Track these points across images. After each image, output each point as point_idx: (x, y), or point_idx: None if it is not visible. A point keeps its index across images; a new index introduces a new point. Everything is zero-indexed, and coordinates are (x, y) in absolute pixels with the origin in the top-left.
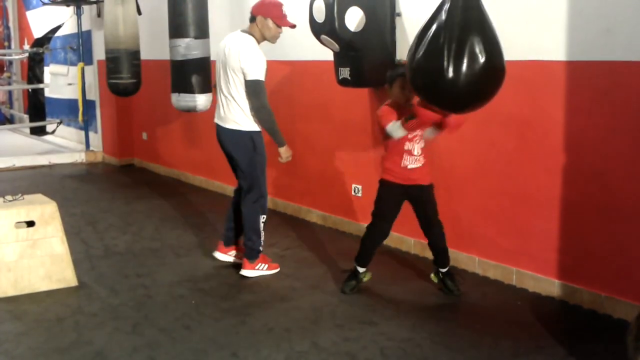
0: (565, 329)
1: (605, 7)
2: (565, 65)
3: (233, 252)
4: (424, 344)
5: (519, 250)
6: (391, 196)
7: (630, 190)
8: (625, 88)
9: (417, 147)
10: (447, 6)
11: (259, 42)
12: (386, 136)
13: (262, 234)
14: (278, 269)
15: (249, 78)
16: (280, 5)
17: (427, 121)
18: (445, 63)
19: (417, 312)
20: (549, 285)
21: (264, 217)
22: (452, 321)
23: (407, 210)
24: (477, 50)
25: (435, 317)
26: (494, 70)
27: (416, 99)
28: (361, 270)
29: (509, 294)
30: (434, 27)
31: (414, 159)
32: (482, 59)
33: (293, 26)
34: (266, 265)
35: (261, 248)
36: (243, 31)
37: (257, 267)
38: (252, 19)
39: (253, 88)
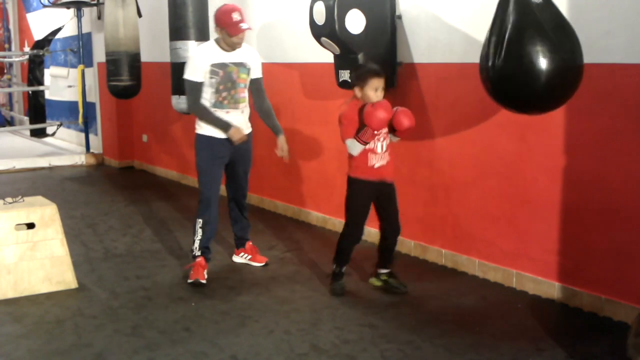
0: (565, 331)
1: (604, 10)
2: None
3: (244, 255)
4: (424, 346)
5: (519, 253)
6: (360, 194)
7: (630, 193)
8: (625, 91)
9: (380, 145)
10: (512, 6)
11: (228, 48)
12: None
13: (197, 238)
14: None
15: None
16: (231, 11)
17: (378, 127)
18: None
19: (417, 315)
20: (549, 288)
21: (200, 222)
22: (452, 323)
23: (406, 212)
24: (568, 48)
25: (435, 320)
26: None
27: (367, 105)
28: (341, 269)
29: (509, 297)
30: (508, 29)
31: (379, 156)
32: (571, 57)
33: (245, 30)
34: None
35: (195, 252)
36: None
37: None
38: (215, 27)
39: (184, 87)
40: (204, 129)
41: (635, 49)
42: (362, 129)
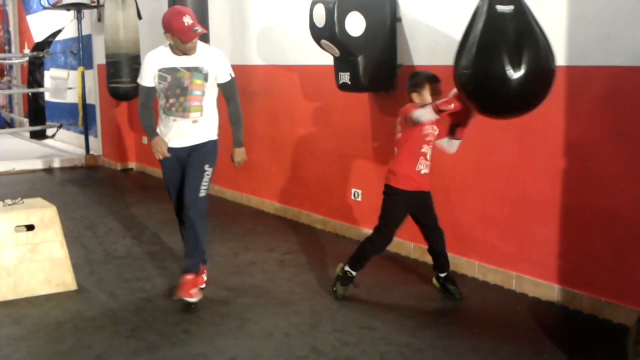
0: (565, 334)
1: (605, 12)
2: (565, 70)
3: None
4: (424, 348)
5: (519, 255)
6: (401, 206)
7: (630, 195)
8: (625, 93)
9: (429, 153)
10: (485, 11)
11: (180, 53)
12: (406, 130)
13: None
14: None
15: None
16: (181, 15)
17: (454, 103)
18: (506, 67)
19: (416, 317)
20: (549, 290)
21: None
22: (452, 326)
23: None
24: (537, 53)
25: (435, 322)
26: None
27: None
28: (354, 273)
29: (508, 299)
30: (478, 32)
31: (427, 164)
32: (539, 61)
33: (199, 34)
34: None
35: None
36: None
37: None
38: (164, 32)
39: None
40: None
41: (636, 52)
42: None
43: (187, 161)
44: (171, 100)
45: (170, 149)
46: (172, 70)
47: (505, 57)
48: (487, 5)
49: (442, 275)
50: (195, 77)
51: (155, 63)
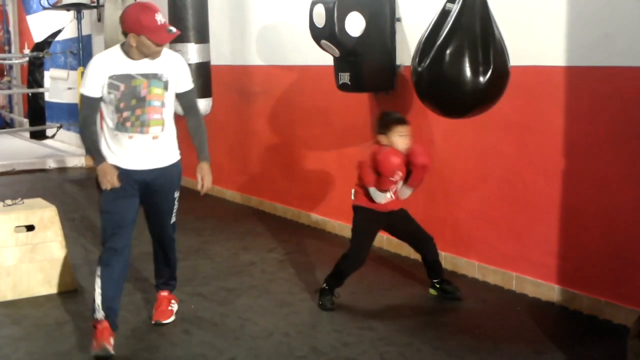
0: (565, 334)
1: (604, 13)
2: (564, 70)
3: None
4: (424, 349)
5: (519, 256)
6: (370, 220)
7: (630, 196)
8: (625, 93)
9: (390, 194)
10: (456, 10)
11: (139, 57)
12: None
13: (97, 296)
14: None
15: None
16: (153, 12)
17: (391, 173)
18: (465, 69)
19: (416, 317)
20: (549, 291)
21: (98, 272)
22: (452, 326)
23: None
24: (487, 54)
25: (434, 322)
26: (503, 73)
27: (385, 151)
28: (333, 291)
29: (508, 300)
30: (443, 33)
31: (392, 195)
32: (492, 63)
33: (175, 35)
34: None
35: (95, 314)
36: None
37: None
38: (124, 35)
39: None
40: (105, 155)
41: (635, 52)
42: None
43: (151, 189)
44: (125, 114)
45: (124, 172)
46: (126, 78)
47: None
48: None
49: (437, 280)
50: (153, 85)
51: (104, 68)
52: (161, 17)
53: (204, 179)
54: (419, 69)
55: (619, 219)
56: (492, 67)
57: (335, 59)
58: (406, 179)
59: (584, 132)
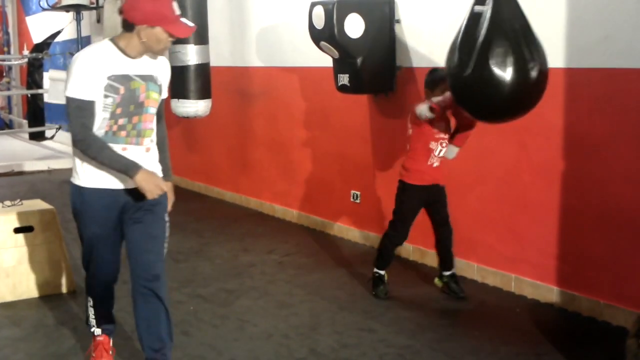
0: (564, 336)
1: (603, 14)
2: (564, 72)
3: None
4: (423, 350)
5: (518, 257)
6: (414, 200)
7: (629, 197)
8: (624, 95)
9: (439, 149)
10: (488, 14)
11: (137, 54)
12: (415, 127)
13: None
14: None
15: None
16: (170, 2)
17: (449, 102)
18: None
19: (416, 319)
20: (548, 293)
21: (90, 302)
22: (451, 328)
23: None
24: (530, 55)
25: (434, 324)
26: (544, 73)
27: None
28: (382, 272)
29: (507, 301)
30: (481, 36)
31: (437, 158)
32: (536, 63)
33: (193, 29)
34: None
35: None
36: (110, 38)
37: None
38: (128, 28)
39: (66, 109)
40: (83, 176)
41: (634, 54)
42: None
43: (139, 210)
44: (120, 121)
45: (108, 193)
46: (125, 79)
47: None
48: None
49: (448, 273)
50: (151, 89)
51: (101, 66)
52: (177, 7)
53: (169, 201)
54: (464, 74)
55: (618, 220)
56: (539, 63)
57: (335, 61)
58: (451, 139)
59: (583, 134)
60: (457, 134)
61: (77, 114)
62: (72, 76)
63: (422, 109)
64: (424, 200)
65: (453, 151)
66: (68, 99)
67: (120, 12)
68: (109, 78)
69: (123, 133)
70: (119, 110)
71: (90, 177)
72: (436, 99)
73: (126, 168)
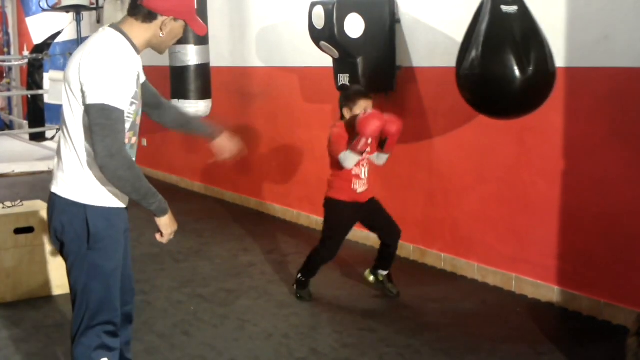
0: (564, 335)
1: (603, 14)
2: (564, 71)
3: None
4: (423, 350)
5: (519, 257)
6: (344, 214)
7: (629, 197)
8: (625, 94)
9: (364, 171)
10: (489, 11)
11: (137, 50)
12: (336, 162)
13: None
14: None
15: (90, 101)
16: None
17: (372, 133)
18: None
19: (416, 319)
20: (549, 292)
21: None
22: (452, 327)
23: (405, 215)
24: (543, 53)
25: (434, 323)
26: (550, 74)
27: (359, 115)
28: (308, 281)
29: (508, 301)
30: (483, 32)
31: (362, 182)
32: (544, 62)
33: (206, 29)
34: None
35: None
36: (113, 27)
37: None
38: (150, 17)
39: (96, 119)
40: (101, 193)
41: (635, 53)
42: (354, 140)
43: (126, 231)
44: (132, 133)
45: (124, 212)
46: (140, 82)
47: (512, 58)
48: (491, 5)
49: (385, 273)
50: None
51: (133, 69)
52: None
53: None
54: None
55: (619, 220)
56: (539, 67)
57: (335, 61)
58: (380, 147)
59: (583, 133)
60: (387, 143)
61: (116, 127)
62: (109, 81)
63: (348, 160)
64: (356, 214)
65: (383, 158)
66: (106, 107)
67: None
68: (137, 83)
69: (135, 144)
70: (138, 119)
71: (108, 194)
72: (357, 143)
73: (159, 205)
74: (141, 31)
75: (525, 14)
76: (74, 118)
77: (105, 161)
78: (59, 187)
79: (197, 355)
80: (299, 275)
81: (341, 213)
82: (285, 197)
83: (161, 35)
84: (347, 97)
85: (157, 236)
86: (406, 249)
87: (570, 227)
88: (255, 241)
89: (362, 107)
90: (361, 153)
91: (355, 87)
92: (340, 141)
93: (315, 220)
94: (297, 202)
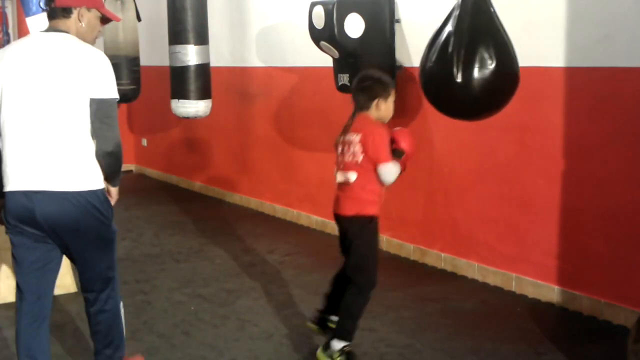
0: (564, 335)
1: (604, 14)
2: (564, 71)
3: None
4: (424, 350)
5: (519, 257)
6: (377, 232)
7: (629, 196)
8: (625, 94)
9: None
10: (456, 12)
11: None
12: (371, 170)
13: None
14: None
15: (104, 95)
16: None
17: (412, 154)
18: (455, 69)
19: (416, 318)
20: (549, 292)
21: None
22: (452, 327)
23: (405, 216)
24: (487, 55)
25: (434, 324)
26: (505, 75)
27: (395, 129)
28: (351, 341)
29: (508, 300)
30: (444, 33)
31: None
32: (492, 65)
33: (118, 19)
34: None
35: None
36: (52, 30)
37: None
38: (65, 12)
39: (110, 111)
40: (100, 179)
41: (635, 53)
42: (397, 153)
43: None
44: None
45: None
46: None
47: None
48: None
49: (336, 318)
50: None
51: None
52: None
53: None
54: (425, 70)
55: (619, 219)
56: (494, 66)
57: (335, 61)
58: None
59: (583, 133)
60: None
61: (116, 117)
62: (113, 77)
63: (395, 174)
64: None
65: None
66: (115, 102)
67: (50, 1)
68: None
69: None
70: None
71: (100, 179)
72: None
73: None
74: (70, 28)
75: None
76: (73, 111)
77: (116, 148)
78: (59, 183)
79: (197, 356)
80: (343, 345)
81: (377, 230)
82: (285, 197)
83: (82, 25)
84: (385, 85)
85: (111, 199)
86: (406, 249)
87: (571, 226)
88: (255, 241)
89: (393, 98)
90: (403, 170)
91: (385, 76)
92: (387, 144)
93: (315, 220)
94: (297, 202)
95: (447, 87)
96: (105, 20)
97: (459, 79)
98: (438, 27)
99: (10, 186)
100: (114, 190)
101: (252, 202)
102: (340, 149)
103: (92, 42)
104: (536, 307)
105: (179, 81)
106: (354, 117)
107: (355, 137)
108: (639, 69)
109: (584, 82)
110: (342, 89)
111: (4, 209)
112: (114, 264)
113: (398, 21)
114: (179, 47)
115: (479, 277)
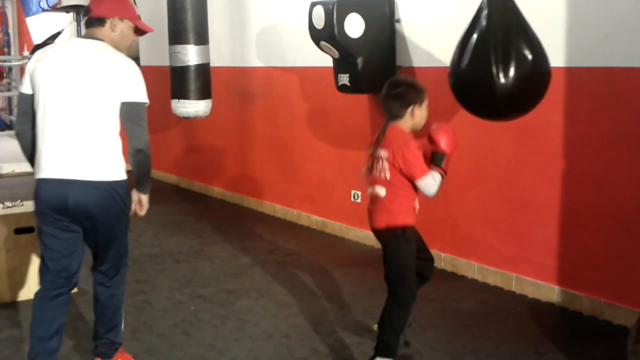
0: (564, 335)
1: (604, 14)
2: (564, 71)
3: None
4: (424, 350)
5: (519, 257)
6: (413, 241)
7: (629, 197)
8: (624, 94)
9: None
10: (485, 12)
11: None
12: (406, 184)
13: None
14: None
15: (138, 99)
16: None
17: (452, 153)
18: (494, 69)
19: (416, 318)
20: (549, 292)
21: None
22: (452, 327)
23: None
24: (524, 53)
25: (435, 323)
26: (541, 73)
27: (431, 129)
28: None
29: (508, 300)
30: (475, 33)
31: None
32: (530, 63)
33: (151, 29)
34: None
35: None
36: (89, 37)
37: None
38: (100, 22)
39: (142, 114)
40: (123, 171)
41: (635, 53)
42: (437, 158)
43: None
44: None
45: None
46: None
47: (498, 57)
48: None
49: None
50: None
51: None
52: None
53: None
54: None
55: (619, 219)
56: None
57: (335, 61)
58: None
59: (583, 133)
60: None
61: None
62: (142, 83)
63: (437, 184)
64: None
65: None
66: (144, 105)
67: (87, 11)
68: None
69: None
70: None
71: (124, 170)
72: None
73: (150, 184)
74: (105, 37)
75: (516, 12)
76: (103, 111)
77: (146, 147)
78: (89, 173)
79: (197, 356)
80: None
81: (412, 240)
82: (285, 197)
83: (115, 34)
84: (418, 90)
85: (137, 208)
86: None
87: (571, 226)
88: (255, 241)
89: (427, 103)
90: (444, 176)
91: (417, 80)
92: (419, 157)
93: (315, 220)
94: (297, 202)
95: (486, 87)
96: (139, 31)
97: (500, 79)
98: (466, 27)
99: (44, 174)
100: (144, 198)
101: (252, 202)
102: (370, 162)
103: (126, 51)
104: (536, 307)
105: (179, 81)
106: (386, 128)
107: (383, 154)
108: (639, 69)
109: (584, 82)
110: (342, 89)
111: (36, 199)
112: (127, 252)
113: (398, 21)
114: (179, 47)
115: (479, 277)
